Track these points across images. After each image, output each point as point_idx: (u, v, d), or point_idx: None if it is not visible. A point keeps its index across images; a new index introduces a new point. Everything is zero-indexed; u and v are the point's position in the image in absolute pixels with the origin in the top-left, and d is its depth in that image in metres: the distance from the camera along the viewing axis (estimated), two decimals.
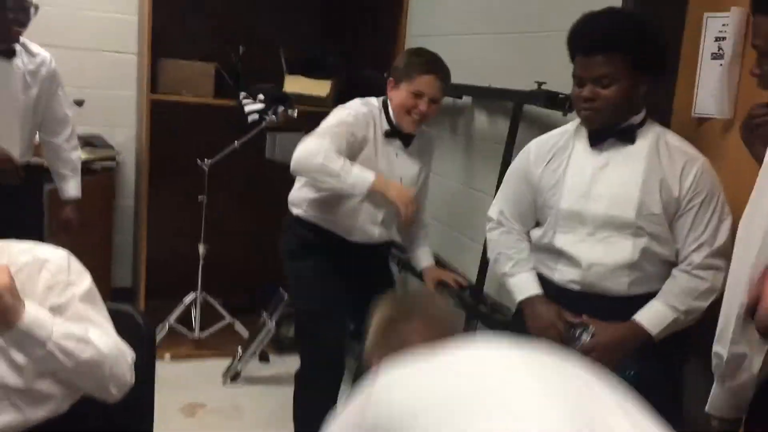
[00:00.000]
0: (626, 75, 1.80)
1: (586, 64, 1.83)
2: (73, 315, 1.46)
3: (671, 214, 1.82)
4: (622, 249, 1.85)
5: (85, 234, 3.61)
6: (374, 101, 2.56)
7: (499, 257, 2.10)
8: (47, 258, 1.47)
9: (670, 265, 1.86)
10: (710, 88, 1.97)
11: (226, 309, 3.72)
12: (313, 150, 2.33)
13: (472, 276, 2.73)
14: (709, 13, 2.02)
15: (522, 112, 2.57)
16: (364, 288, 2.48)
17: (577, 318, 1.90)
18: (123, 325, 1.66)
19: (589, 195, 1.88)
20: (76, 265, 1.53)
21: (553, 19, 2.53)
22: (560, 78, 2.41)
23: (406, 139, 2.56)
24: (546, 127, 2.56)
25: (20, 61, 2.80)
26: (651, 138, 1.87)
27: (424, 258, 2.74)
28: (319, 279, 2.58)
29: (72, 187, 3.02)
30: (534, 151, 2.03)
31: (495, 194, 2.62)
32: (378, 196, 2.42)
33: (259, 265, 4.02)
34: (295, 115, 3.41)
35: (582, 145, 1.93)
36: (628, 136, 1.87)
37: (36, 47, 2.88)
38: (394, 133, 2.53)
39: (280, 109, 3.43)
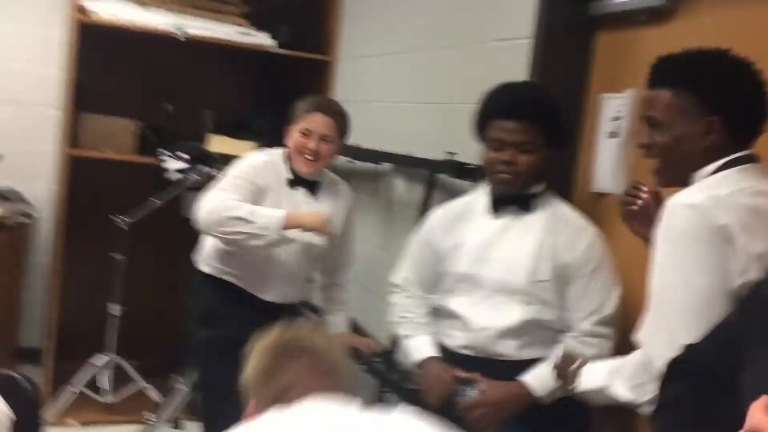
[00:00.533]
0: (541, 145, 1.89)
1: (509, 128, 1.88)
2: None
3: (562, 282, 1.86)
4: (511, 314, 1.88)
5: None
6: (277, 151, 2.54)
7: (400, 320, 2.12)
8: None
9: (559, 331, 1.90)
10: (607, 165, 2.04)
11: (140, 372, 3.60)
12: (216, 202, 2.31)
13: (389, 341, 2.71)
14: (607, 94, 2.11)
15: (436, 180, 2.62)
16: None
17: (467, 375, 1.91)
18: (9, 395, 1.60)
19: (485, 259, 1.92)
20: None
21: (469, 92, 2.60)
22: (472, 149, 2.48)
23: (312, 187, 2.51)
24: (457, 194, 2.61)
25: None
26: (548, 208, 1.93)
27: (338, 324, 2.70)
28: (225, 355, 2.48)
29: None
30: (437, 218, 2.08)
31: None
32: (290, 235, 2.38)
33: (175, 327, 3.91)
34: (218, 174, 3.40)
35: (482, 211, 1.98)
36: (526, 205, 1.93)
37: None
38: (297, 181, 2.49)
39: (204, 168, 3.40)
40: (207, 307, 2.55)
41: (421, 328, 2.06)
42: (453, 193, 2.64)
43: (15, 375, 1.79)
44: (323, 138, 2.42)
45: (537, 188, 1.94)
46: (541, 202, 1.94)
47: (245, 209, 2.30)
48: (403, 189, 3.03)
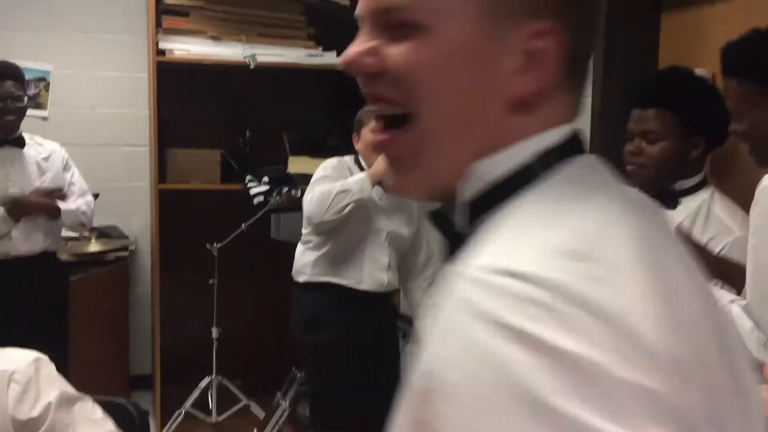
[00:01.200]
0: (674, 134, 1.74)
1: (636, 117, 1.79)
2: (51, 426, 1.41)
3: None
4: None
5: (103, 323, 3.70)
6: (347, 158, 2.75)
7: None
8: (14, 369, 1.41)
9: None
10: None
11: (242, 391, 3.73)
12: (313, 195, 2.54)
13: None
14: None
15: None
16: (376, 365, 2.60)
17: None
18: (118, 417, 1.69)
19: None
20: (46, 371, 1.47)
21: None
22: None
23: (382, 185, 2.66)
24: None
25: (32, 150, 3.06)
26: (695, 204, 1.77)
27: None
28: (331, 357, 2.63)
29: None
30: None
31: None
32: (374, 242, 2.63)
33: (272, 345, 4.05)
34: (299, 194, 3.49)
35: None
36: (670, 201, 1.78)
37: (42, 139, 3.13)
38: None
39: (284, 189, 3.51)
40: (309, 313, 2.68)
41: None
42: None
43: (122, 401, 1.88)
44: None
45: (686, 183, 1.78)
46: (692, 197, 1.78)
47: (337, 186, 2.51)
48: None
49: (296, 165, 3.70)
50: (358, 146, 2.68)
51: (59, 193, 3.07)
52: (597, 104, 2.24)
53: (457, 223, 0.62)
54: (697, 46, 2.03)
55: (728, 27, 1.92)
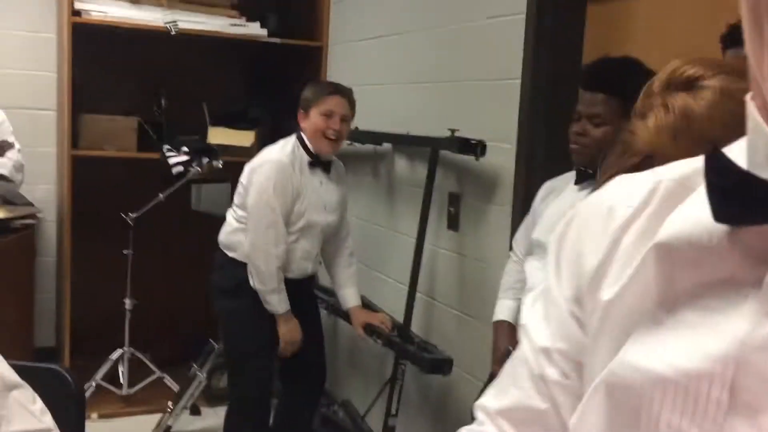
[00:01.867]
0: (618, 119, 1.84)
1: (585, 99, 1.89)
2: None
3: None
4: None
5: (7, 293, 3.53)
6: (289, 139, 2.70)
7: (501, 282, 2.26)
8: None
9: None
10: None
11: (155, 363, 3.68)
12: (261, 255, 2.59)
13: (400, 316, 2.81)
14: None
15: (438, 157, 2.70)
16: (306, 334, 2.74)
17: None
18: (50, 385, 1.65)
19: (554, 228, 1.98)
20: None
21: (465, 69, 2.69)
22: (472, 125, 2.56)
23: (326, 167, 2.73)
24: (460, 171, 2.70)
25: None
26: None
27: (351, 298, 2.88)
28: (250, 319, 2.69)
29: None
30: (541, 189, 2.15)
31: (416, 235, 2.74)
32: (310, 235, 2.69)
33: (187, 317, 4.00)
34: (220, 165, 3.46)
35: (571, 184, 2.02)
36: (588, 177, 1.92)
37: None
38: (316, 162, 2.69)
39: (205, 160, 3.46)
40: (234, 280, 2.70)
41: (509, 292, 2.20)
42: (456, 170, 2.73)
43: (56, 367, 1.84)
44: (343, 118, 2.63)
45: None
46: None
47: (272, 284, 2.61)
48: (405, 168, 3.12)
49: (216, 136, 3.66)
50: (303, 125, 2.66)
51: None
52: (525, 92, 2.35)
53: None
54: (622, 37, 2.17)
55: (652, 20, 2.07)
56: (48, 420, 1.47)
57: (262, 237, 2.60)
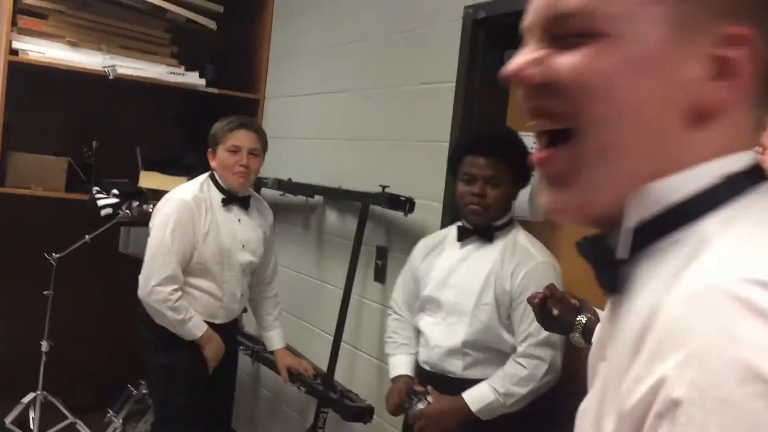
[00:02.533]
0: (509, 180, 2.09)
1: (480, 164, 2.09)
2: None
3: (506, 307, 2.05)
4: (456, 334, 2.08)
5: None
6: (199, 179, 2.71)
7: (387, 340, 2.34)
8: None
9: (506, 355, 2.06)
10: (524, 193, 2.29)
11: (69, 409, 3.58)
12: (152, 283, 2.54)
13: (324, 365, 2.87)
14: (522, 132, 2.37)
15: (368, 212, 2.82)
16: (216, 379, 2.74)
17: (421, 388, 2.12)
18: None
19: (446, 284, 2.14)
20: None
21: (397, 130, 2.84)
22: (402, 183, 2.70)
23: (244, 203, 2.72)
24: (389, 225, 2.82)
25: None
26: (506, 238, 2.12)
27: (276, 340, 2.93)
28: (185, 374, 2.65)
29: None
30: (418, 248, 2.31)
31: (344, 288, 2.83)
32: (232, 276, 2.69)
33: (106, 362, 3.93)
34: (151, 209, 3.47)
35: (452, 241, 2.20)
36: (487, 236, 2.13)
37: None
38: (230, 199, 2.68)
39: (135, 203, 3.48)
40: (161, 335, 2.65)
41: (401, 348, 2.28)
42: (385, 224, 2.85)
43: None
44: (251, 152, 2.63)
45: (501, 220, 2.14)
46: (503, 233, 2.13)
47: (177, 319, 2.57)
48: (335, 221, 3.22)
49: (148, 180, 3.68)
50: (213, 164, 2.67)
51: None
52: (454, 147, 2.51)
53: (618, 251, 0.58)
54: None
55: None
56: None
57: (156, 275, 2.55)
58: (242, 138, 2.61)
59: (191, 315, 2.60)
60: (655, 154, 0.56)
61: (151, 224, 2.69)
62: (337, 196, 3.11)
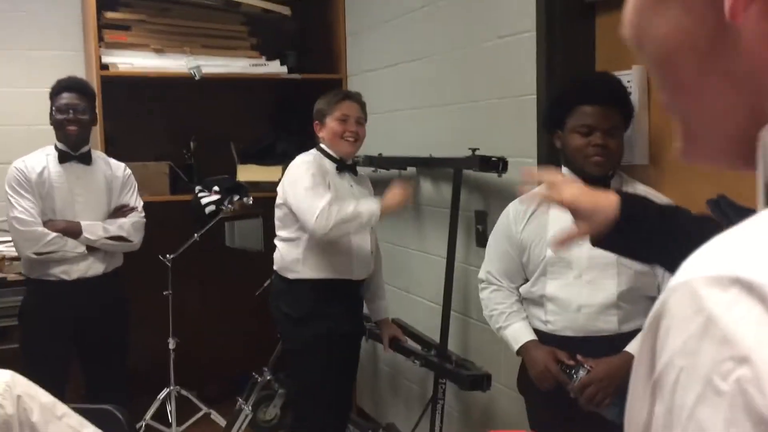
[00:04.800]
0: (623, 129, 2.03)
1: (597, 114, 1.99)
2: None
3: None
4: (607, 288, 1.96)
5: None
6: (310, 152, 2.79)
7: (492, 314, 2.19)
8: None
9: (654, 300, 1.95)
10: (626, 138, 2.16)
11: (202, 400, 3.75)
12: (322, 211, 2.55)
13: (435, 336, 2.85)
14: (614, 71, 2.24)
15: (462, 177, 2.75)
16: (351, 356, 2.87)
17: (571, 360, 1.98)
18: (104, 425, 1.73)
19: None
20: (21, 386, 1.49)
21: (481, 89, 2.75)
22: (492, 143, 2.62)
23: (354, 171, 2.84)
24: (484, 188, 2.75)
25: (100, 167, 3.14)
26: (621, 185, 2.03)
27: (381, 311, 2.99)
28: (325, 348, 2.71)
29: None
30: (512, 212, 2.17)
31: (446, 256, 2.79)
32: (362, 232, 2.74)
33: (230, 352, 4.08)
34: (251, 202, 3.55)
35: None
36: (601, 185, 1.92)
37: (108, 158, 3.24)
38: (343, 166, 2.78)
39: (236, 198, 3.56)
40: (303, 307, 2.73)
41: (513, 315, 2.13)
42: (479, 188, 2.78)
43: (110, 407, 1.92)
44: (358, 121, 2.75)
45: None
46: (614, 182, 2.04)
47: (349, 211, 2.58)
48: (430, 190, 3.17)
49: (245, 173, 3.76)
50: (321, 134, 2.78)
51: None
52: (541, 106, 2.40)
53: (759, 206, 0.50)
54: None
55: None
56: None
57: (316, 200, 2.57)
58: (349, 107, 2.76)
59: (354, 205, 2.61)
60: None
61: (281, 188, 2.76)
62: (429, 165, 3.06)
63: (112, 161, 3.21)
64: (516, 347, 2.11)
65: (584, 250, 1.94)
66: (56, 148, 3.06)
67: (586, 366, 1.94)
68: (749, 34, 0.46)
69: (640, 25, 0.51)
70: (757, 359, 0.39)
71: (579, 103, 2.01)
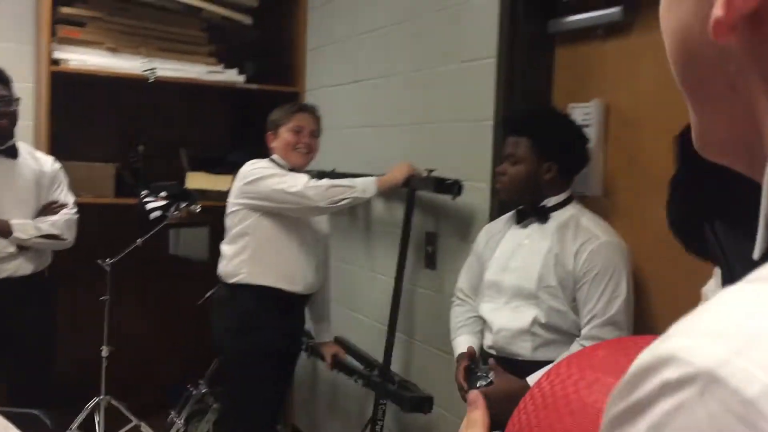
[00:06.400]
0: (530, 157, 2.06)
1: (506, 143, 2.12)
2: None
3: (570, 288, 1.99)
4: (524, 316, 2.03)
5: None
6: (261, 161, 2.79)
7: (451, 327, 2.32)
8: None
9: (573, 336, 2.00)
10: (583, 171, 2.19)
11: (133, 412, 3.62)
12: (302, 182, 2.58)
13: (379, 356, 2.82)
14: (572, 103, 2.28)
15: (415, 197, 2.75)
16: (285, 371, 2.84)
17: (479, 361, 2.09)
18: (31, 431, 1.65)
19: (507, 268, 2.10)
20: None
21: (440, 112, 2.76)
22: (448, 165, 2.62)
23: None
24: (437, 210, 2.75)
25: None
26: (565, 218, 2.05)
27: (324, 333, 2.99)
28: (262, 359, 2.68)
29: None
30: (483, 233, 2.29)
31: (395, 275, 2.78)
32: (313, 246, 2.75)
33: (165, 363, 3.97)
34: (198, 209, 3.48)
35: (513, 224, 2.17)
36: (542, 216, 2.08)
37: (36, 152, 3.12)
38: None
39: (183, 205, 3.48)
40: (243, 316, 2.70)
41: (463, 328, 2.26)
42: (433, 209, 2.78)
43: (36, 412, 1.84)
44: (312, 133, 2.76)
45: (554, 200, 2.08)
46: (560, 213, 2.07)
47: (344, 181, 2.61)
48: (382, 209, 3.16)
49: (195, 181, 3.69)
50: (274, 144, 2.77)
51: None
52: (498, 133, 2.42)
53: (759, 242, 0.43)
54: (590, 79, 2.26)
55: (622, 59, 2.16)
56: None
57: (296, 178, 2.62)
58: (304, 119, 2.76)
59: (348, 181, 2.64)
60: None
61: (237, 191, 2.75)
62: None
63: (39, 154, 3.11)
64: (456, 355, 2.24)
65: (513, 278, 2.08)
66: None
67: (490, 375, 2.03)
68: (738, 52, 0.44)
69: (662, 17, 0.50)
70: None
71: (504, 135, 2.19)
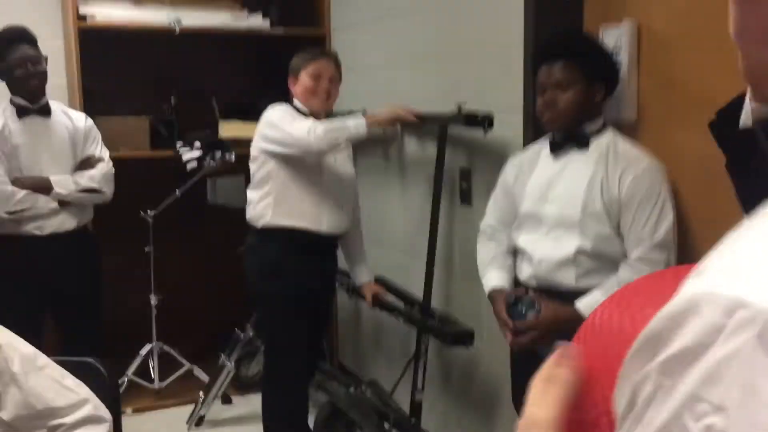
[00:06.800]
0: (580, 81, 2.01)
1: (546, 71, 2.04)
2: (24, 397, 1.45)
3: (615, 214, 1.97)
4: (567, 245, 2.01)
5: None
6: (282, 105, 2.77)
7: (479, 263, 2.31)
8: None
9: (616, 263, 1.99)
10: (613, 94, 2.14)
11: (184, 356, 3.75)
12: (306, 129, 2.58)
13: (419, 292, 2.85)
14: (604, 25, 2.21)
15: (447, 133, 2.73)
16: (318, 312, 2.84)
17: (523, 292, 2.09)
18: (85, 379, 1.71)
19: (546, 198, 2.08)
20: (2, 336, 1.49)
21: (467, 43, 2.71)
22: (479, 98, 2.59)
23: None
24: (469, 145, 2.73)
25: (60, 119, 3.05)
26: (604, 144, 2.03)
27: (363, 274, 2.99)
28: (294, 306, 2.73)
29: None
30: (509, 166, 2.25)
31: (430, 213, 2.78)
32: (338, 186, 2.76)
33: (212, 309, 4.07)
34: (233, 158, 3.51)
35: (546, 154, 2.13)
36: (582, 143, 2.05)
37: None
38: None
39: (218, 154, 3.51)
40: (269, 262, 2.74)
41: (491, 263, 2.25)
42: (465, 144, 2.76)
43: (91, 360, 1.90)
44: (331, 79, 2.74)
45: (592, 126, 2.05)
46: (598, 139, 2.04)
47: (335, 123, 2.62)
48: (415, 147, 3.14)
49: (227, 129, 3.70)
50: (294, 89, 2.76)
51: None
52: (528, 61, 2.37)
53: None
54: (623, 0, 2.18)
55: None
56: (84, 391, 1.54)
57: (301, 122, 2.62)
58: (324, 65, 2.74)
59: (340, 120, 2.66)
60: None
61: (256, 137, 2.77)
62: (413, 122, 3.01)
63: (72, 112, 3.14)
64: (486, 293, 2.23)
65: (554, 208, 2.05)
66: (12, 102, 2.97)
67: (536, 306, 2.03)
68: None
69: None
70: (733, 414, 0.36)
71: (537, 65, 2.09)
